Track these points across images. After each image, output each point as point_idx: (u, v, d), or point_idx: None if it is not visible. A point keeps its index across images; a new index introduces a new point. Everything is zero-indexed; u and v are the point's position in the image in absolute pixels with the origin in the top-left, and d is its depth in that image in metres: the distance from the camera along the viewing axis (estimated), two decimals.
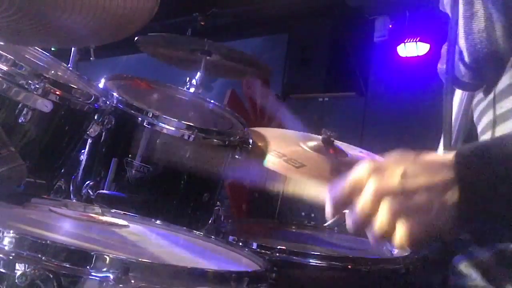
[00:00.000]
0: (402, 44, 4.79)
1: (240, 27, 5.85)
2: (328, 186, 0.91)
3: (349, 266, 1.46)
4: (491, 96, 0.98)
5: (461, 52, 0.98)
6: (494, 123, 0.97)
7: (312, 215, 5.24)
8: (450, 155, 0.86)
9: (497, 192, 0.82)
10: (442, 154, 0.89)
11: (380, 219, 0.83)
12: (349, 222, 0.88)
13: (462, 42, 0.97)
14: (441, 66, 1.10)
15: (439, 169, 0.84)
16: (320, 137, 1.99)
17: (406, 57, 4.80)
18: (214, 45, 2.47)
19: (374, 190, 0.84)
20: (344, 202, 0.88)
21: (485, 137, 1.00)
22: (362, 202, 0.85)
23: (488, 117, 0.99)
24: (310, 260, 1.46)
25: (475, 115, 1.07)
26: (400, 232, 0.82)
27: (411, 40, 4.73)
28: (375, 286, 1.46)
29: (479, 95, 1.06)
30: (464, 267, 1.03)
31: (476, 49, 0.95)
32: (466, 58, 0.97)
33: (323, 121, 4.93)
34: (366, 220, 0.85)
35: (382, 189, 0.84)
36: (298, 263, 1.46)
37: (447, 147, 1.09)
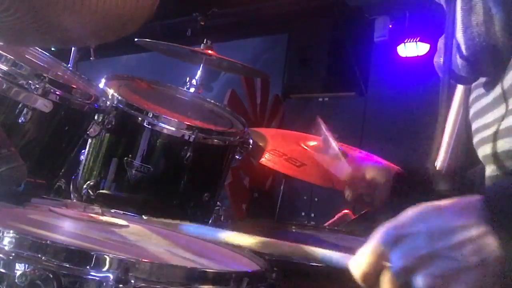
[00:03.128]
0: (402, 44, 4.77)
1: (240, 27, 5.84)
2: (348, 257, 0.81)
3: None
4: (498, 91, 0.96)
5: (458, 46, 0.97)
6: (502, 118, 0.94)
7: (312, 215, 5.23)
8: (474, 199, 0.75)
9: None
10: (463, 198, 0.77)
11: None
12: None
13: (460, 36, 0.96)
14: (437, 59, 1.09)
15: (469, 219, 0.73)
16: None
17: (406, 57, 4.79)
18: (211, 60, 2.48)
19: (403, 267, 0.73)
20: (370, 283, 0.76)
21: (488, 132, 0.98)
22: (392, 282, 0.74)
23: (497, 113, 0.96)
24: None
25: (473, 110, 1.06)
26: None
27: (411, 40, 4.72)
28: None
29: (477, 90, 1.04)
30: None
31: (474, 43, 0.94)
32: (464, 52, 0.96)
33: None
34: None
35: (412, 263, 0.73)
36: (298, 263, 1.46)
37: (438, 140, 1.05)
